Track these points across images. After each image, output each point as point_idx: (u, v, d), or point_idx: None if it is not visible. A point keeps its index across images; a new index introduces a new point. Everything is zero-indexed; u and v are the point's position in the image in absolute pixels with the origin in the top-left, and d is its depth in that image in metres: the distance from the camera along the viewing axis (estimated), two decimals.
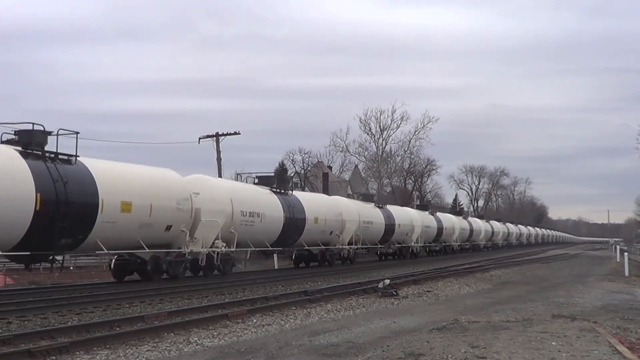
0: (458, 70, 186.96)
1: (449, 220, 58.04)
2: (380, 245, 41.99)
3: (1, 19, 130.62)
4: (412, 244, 45.91)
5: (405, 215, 45.67)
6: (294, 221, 29.61)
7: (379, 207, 42.07)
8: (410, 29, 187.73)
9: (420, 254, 48.53)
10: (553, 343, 10.40)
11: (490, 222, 79.51)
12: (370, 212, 39.59)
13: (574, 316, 14.11)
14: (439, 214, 57.94)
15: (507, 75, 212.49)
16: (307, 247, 31.71)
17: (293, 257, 33.50)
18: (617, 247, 61.56)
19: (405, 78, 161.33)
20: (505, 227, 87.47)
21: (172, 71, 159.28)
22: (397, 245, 43.94)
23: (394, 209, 44.64)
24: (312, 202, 32.33)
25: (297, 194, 32.50)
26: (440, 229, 53.58)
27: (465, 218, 67.86)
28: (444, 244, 56.16)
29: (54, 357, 9.53)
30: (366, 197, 44.18)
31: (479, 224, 70.85)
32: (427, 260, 45.22)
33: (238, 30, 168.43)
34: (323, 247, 33.18)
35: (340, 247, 34.43)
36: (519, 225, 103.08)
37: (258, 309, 14.95)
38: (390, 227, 41.66)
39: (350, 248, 35.68)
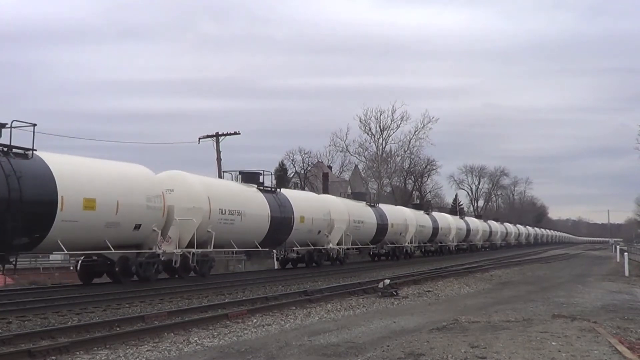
0: (458, 70, 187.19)
1: (444, 219, 56.67)
2: (372, 246, 40.61)
3: (1, 19, 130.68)
4: (406, 244, 44.70)
5: (398, 214, 44.48)
6: (282, 220, 28.16)
7: (370, 206, 40.43)
8: (410, 29, 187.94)
9: (415, 255, 47.69)
10: (553, 343, 10.41)
11: (489, 221, 79.26)
12: (361, 211, 38.00)
13: (574, 316, 14.11)
14: (434, 213, 56.53)
15: (507, 75, 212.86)
16: (297, 247, 30.42)
17: (278, 258, 32.25)
18: (617, 247, 61.60)
19: (405, 78, 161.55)
20: (504, 227, 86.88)
21: (172, 71, 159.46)
22: (390, 245, 42.74)
23: (386, 208, 43.23)
24: (300, 200, 30.63)
25: (286, 191, 31.25)
26: (435, 229, 52.19)
27: (462, 218, 67.41)
28: (439, 244, 54.77)
29: (54, 357, 9.54)
30: (357, 196, 42.75)
31: (476, 223, 70.15)
32: (422, 260, 44.31)
33: (238, 30, 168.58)
34: (311, 247, 31.65)
35: (329, 247, 32.96)
36: (518, 225, 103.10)
37: (258, 309, 14.95)
38: (382, 227, 40.25)
39: (340, 248, 33.95)
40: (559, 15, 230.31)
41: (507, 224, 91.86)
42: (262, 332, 12.26)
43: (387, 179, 77.89)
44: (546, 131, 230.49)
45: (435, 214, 56.20)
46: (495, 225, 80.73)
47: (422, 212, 51.57)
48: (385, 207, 43.11)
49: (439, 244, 54.60)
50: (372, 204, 41.03)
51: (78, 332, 11.51)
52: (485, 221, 77.61)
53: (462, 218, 66.99)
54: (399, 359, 9.26)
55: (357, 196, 42.41)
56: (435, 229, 52.00)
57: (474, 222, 69.98)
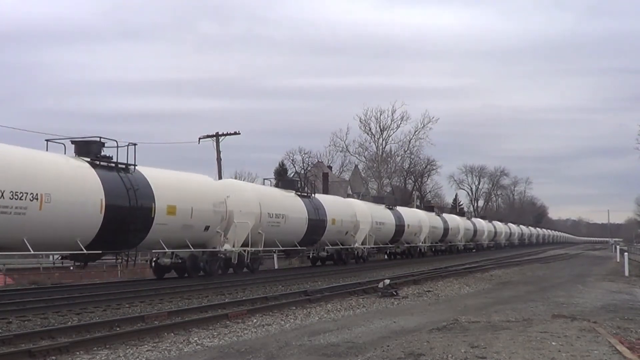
0: (458, 70, 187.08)
1: (454, 220, 60.06)
2: (390, 245, 43.57)
3: (1, 19, 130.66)
4: (420, 243, 47.73)
5: (413, 216, 47.60)
6: (317, 222, 31.48)
7: (389, 208, 43.77)
8: (409, 29, 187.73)
9: (427, 254, 50.54)
10: (553, 343, 10.41)
11: (494, 222, 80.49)
12: (381, 214, 41.34)
13: (574, 316, 14.11)
14: (444, 214, 60.11)
15: (507, 75, 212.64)
16: (328, 247, 33.79)
17: (310, 256, 34.85)
18: (617, 247, 61.60)
19: (405, 78, 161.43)
20: (507, 227, 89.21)
21: (172, 71, 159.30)
22: (406, 245, 45.96)
23: (403, 210, 46.48)
24: (331, 204, 33.89)
25: (319, 196, 34.27)
26: (446, 229, 55.48)
27: (469, 218, 69.82)
28: (449, 243, 58.08)
29: (54, 357, 9.54)
30: (377, 199, 46.22)
31: (482, 224, 72.69)
32: (433, 259, 46.75)
33: (238, 30, 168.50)
34: (340, 246, 34.74)
35: (355, 246, 35.92)
36: (521, 226, 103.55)
37: (258, 309, 14.95)
38: (400, 228, 43.40)
39: (364, 248, 36.76)
40: (559, 15, 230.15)
41: (511, 224, 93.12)
42: (262, 332, 12.26)
43: (387, 179, 77.90)
44: (546, 131, 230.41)
45: (445, 215, 59.56)
46: (499, 225, 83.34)
47: (433, 213, 55.14)
48: (402, 210, 46.36)
49: (449, 244, 58.00)
50: (391, 207, 44.17)
51: (78, 332, 11.51)
52: (490, 222, 79.59)
53: (469, 219, 69.41)
54: (399, 359, 9.27)
55: (377, 199, 46.16)
56: (446, 230, 55.53)
57: (480, 223, 72.44)
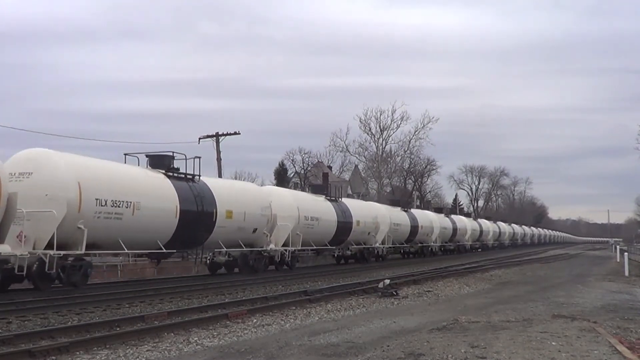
0: (458, 70, 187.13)
1: (461, 221, 62.48)
2: (405, 245, 46.37)
3: (2, 19, 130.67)
4: (432, 243, 50.66)
5: (426, 217, 50.36)
6: (345, 224, 34.38)
7: (404, 210, 46.40)
8: (409, 29, 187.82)
9: (438, 253, 53.03)
10: (553, 343, 10.41)
11: (479, 220, 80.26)
12: (398, 215, 44.15)
13: (574, 316, 14.11)
14: (453, 216, 62.48)
15: (507, 76, 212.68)
16: (352, 246, 36.31)
17: (335, 255, 37.06)
18: (617, 247, 61.62)
19: (405, 78, 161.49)
20: (511, 228, 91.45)
21: (172, 71, 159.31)
22: (419, 244, 48.58)
23: (417, 212, 48.90)
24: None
25: (346, 200, 37.47)
26: (455, 230, 58.03)
27: (475, 219, 71.59)
28: (458, 243, 60.38)
29: (54, 357, 9.54)
30: (394, 202, 48.13)
31: (487, 225, 74.64)
32: (443, 258, 49.41)
33: (238, 30, 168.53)
34: (362, 246, 37.48)
35: (375, 246, 38.75)
36: (514, 225, 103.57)
37: (258, 309, 14.95)
38: (414, 229, 46.28)
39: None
40: (559, 15, 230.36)
41: (514, 225, 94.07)
42: (262, 332, 12.26)
43: (387, 179, 77.93)
44: (546, 131, 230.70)
45: (453, 216, 61.82)
46: (503, 226, 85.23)
47: (443, 215, 57.86)
48: (416, 212, 49.21)
49: (457, 244, 60.23)
50: (406, 209, 46.85)
51: (78, 332, 11.50)
52: (494, 222, 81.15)
53: (475, 220, 71.15)
54: (399, 359, 9.26)
55: (393, 202, 48.24)
56: (455, 230, 58.17)
57: (486, 224, 74.23)
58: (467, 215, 79.45)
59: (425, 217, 50.62)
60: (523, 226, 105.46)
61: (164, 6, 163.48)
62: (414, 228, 46.38)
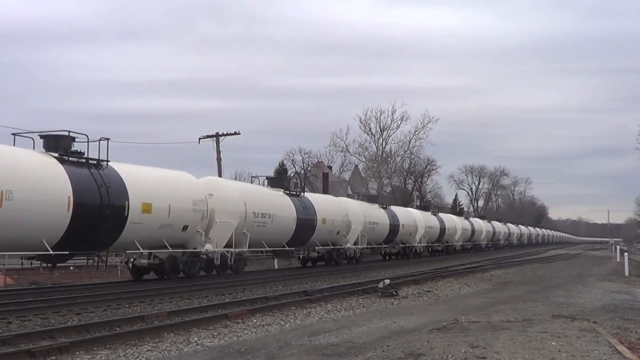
0: (458, 70, 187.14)
1: (451, 220, 59.30)
2: (384, 245, 42.72)
3: (2, 19, 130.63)
4: (416, 244, 47.11)
5: (408, 215, 46.70)
6: (306, 222, 30.66)
7: (383, 207, 43.01)
8: (409, 29, 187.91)
9: (423, 254, 49.77)
10: (553, 343, 10.40)
11: (492, 222, 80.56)
12: (375, 213, 40.49)
13: (574, 316, 14.11)
14: (441, 214, 59.29)
15: (507, 75, 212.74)
16: (318, 247, 33.01)
17: (300, 257, 33.91)
18: (617, 247, 61.62)
19: (405, 78, 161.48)
20: (506, 227, 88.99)
21: (172, 71, 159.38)
22: (401, 245, 45.24)
23: (397, 210, 45.56)
24: (321, 203, 33.19)
25: (309, 195, 33.30)
26: (442, 229, 54.88)
27: (467, 218, 69.20)
28: (446, 244, 57.64)
29: (54, 357, 9.53)
30: (371, 198, 45.12)
31: (480, 224, 72.25)
32: (429, 260, 45.82)
33: (238, 30, 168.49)
34: (331, 247, 34.11)
35: (347, 247, 35.14)
36: (520, 226, 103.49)
37: (258, 309, 14.95)
38: (394, 228, 42.56)
39: (357, 248, 36.16)
40: (559, 15, 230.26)
41: (509, 224, 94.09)
42: (262, 332, 12.26)
43: (387, 179, 77.85)
44: (546, 131, 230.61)
45: (441, 215, 59.70)
46: (498, 225, 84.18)
47: (429, 213, 54.85)
48: (396, 209, 45.99)
49: (446, 244, 58.41)
50: (384, 206, 43.91)
51: (78, 332, 11.50)
52: (488, 222, 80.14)
53: (466, 219, 69.29)
54: (399, 359, 9.26)
55: (370, 198, 45.35)
56: (442, 230, 55.87)
57: (478, 223, 72.83)
58: (459, 214, 76.38)
59: (408, 215, 46.75)
60: (520, 226, 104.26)
61: (163, 6, 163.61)
62: (394, 227, 42.24)
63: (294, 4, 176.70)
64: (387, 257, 45.19)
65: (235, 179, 62.84)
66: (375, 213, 40.67)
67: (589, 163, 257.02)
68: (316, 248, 32.90)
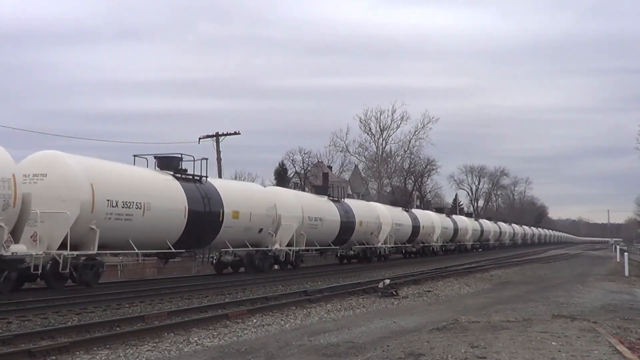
0: (458, 70, 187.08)
1: (463, 221, 63.12)
2: (407, 244, 46.70)
3: (2, 19, 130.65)
4: (433, 243, 51.23)
5: (427, 217, 50.87)
6: (347, 224, 35.09)
7: (406, 210, 47.41)
8: (409, 30, 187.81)
9: (439, 253, 53.36)
10: (553, 343, 10.40)
11: (480, 220, 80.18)
12: (400, 215, 44.91)
13: (574, 316, 14.11)
14: (415, 210, 56.28)
15: (507, 76, 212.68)
16: (355, 246, 36.94)
17: (338, 255, 37.94)
18: (617, 247, 61.64)
19: (405, 78, 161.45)
20: (511, 228, 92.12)
21: (172, 71, 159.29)
22: (360, 246, 42.06)
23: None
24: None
25: (348, 201, 37.80)
26: (456, 230, 58.58)
27: (449, 216, 67.79)
28: (459, 243, 61.03)
29: (54, 357, 9.53)
30: (394, 203, 49.47)
31: (488, 225, 75.30)
32: (445, 257, 49.63)
33: (238, 30, 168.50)
34: (365, 245, 38.01)
35: (378, 245, 39.36)
36: (514, 225, 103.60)
37: (258, 309, 14.95)
38: (416, 229, 47.07)
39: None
40: (559, 15, 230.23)
41: (514, 225, 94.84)
42: (262, 332, 12.26)
43: (387, 179, 77.91)
44: (546, 131, 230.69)
45: (454, 217, 62.48)
46: (504, 226, 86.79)
47: (444, 215, 58.49)
48: (417, 212, 50.14)
49: (458, 243, 60.88)
50: (407, 209, 48.04)
51: (78, 332, 11.50)
52: (495, 222, 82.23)
53: (476, 220, 71.87)
54: (399, 359, 9.26)
55: (394, 203, 50.04)
56: (456, 230, 59.09)
57: (487, 224, 75.43)
58: (469, 215, 79.78)
59: (427, 217, 51.13)
60: (523, 226, 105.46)
61: (163, 6, 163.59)
62: (416, 228, 47.04)
63: (294, 4, 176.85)
64: (407, 255, 48.25)
65: (235, 178, 62.90)
66: (400, 215, 44.96)
67: (588, 163, 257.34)
68: (352, 247, 36.88)
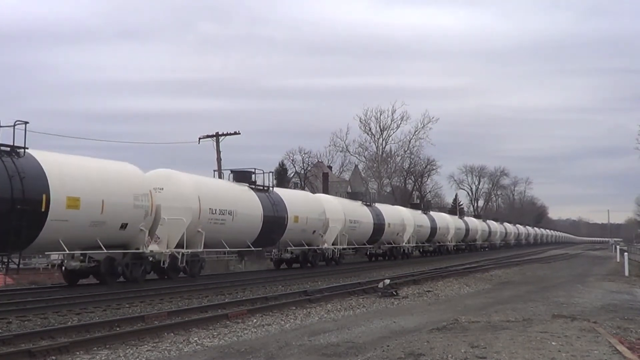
0: (458, 70, 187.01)
1: (443, 219, 57.28)
2: (368, 246, 40.58)
3: (2, 19, 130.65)
4: (404, 244, 44.92)
5: (396, 214, 44.75)
6: (275, 219, 28.36)
7: (367, 205, 40.46)
8: (409, 30, 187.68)
9: (413, 255, 48.05)
10: (553, 343, 10.40)
11: (488, 221, 79.82)
12: (357, 211, 38.26)
13: (574, 316, 14.10)
14: (432, 213, 56.94)
15: (507, 76, 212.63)
16: (291, 247, 30.69)
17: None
18: (617, 247, 61.62)
19: (405, 78, 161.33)
20: (503, 227, 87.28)
21: (172, 71, 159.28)
22: (387, 245, 42.85)
23: (383, 208, 43.24)
24: (293, 199, 30.69)
25: (279, 190, 31.21)
26: (434, 229, 52.92)
27: (461, 217, 67.94)
28: (438, 244, 55.52)
29: (54, 357, 9.54)
30: (353, 195, 43.01)
31: (475, 223, 70.49)
32: (420, 261, 44.57)
33: (238, 30, 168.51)
34: (306, 247, 31.92)
35: (324, 247, 33.03)
36: (517, 225, 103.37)
37: (258, 309, 14.95)
38: (379, 227, 40.50)
39: (336, 248, 33.91)
40: (559, 15, 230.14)
41: (507, 224, 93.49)
42: (262, 332, 12.26)
43: (387, 179, 77.90)
44: (546, 131, 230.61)
45: (432, 213, 58.03)
46: (494, 225, 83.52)
47: (419, 212, 52.86)
48: (382, 207, 43.59)
49: (437, 244, 56.48)
50: (368, 204, 41.19)
51: (78, 332, 11.51)
52: (484, 221, 79.48)
53: (461, 218, 68.27)
54: (399, 359, 9.26)
55: (352, 195, 43.73)
56: (434, 229, 54.19)
57: (473, 222, 71.77)
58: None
59: (395, 213, 45.32)
60: (518, 225, 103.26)
61: (163, 6, 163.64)
62: (379, 226, 40.83)
63: (294, 4, 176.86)
64: (372, 258, 43.27)
65: (214, 176, 62.59)
66: (357, 211, 38.35)
67: (588, 163, 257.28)
68: (289, 249, 30.63)
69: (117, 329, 12.00)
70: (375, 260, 42.81)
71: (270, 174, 29.71)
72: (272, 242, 29.41)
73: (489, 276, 28.97)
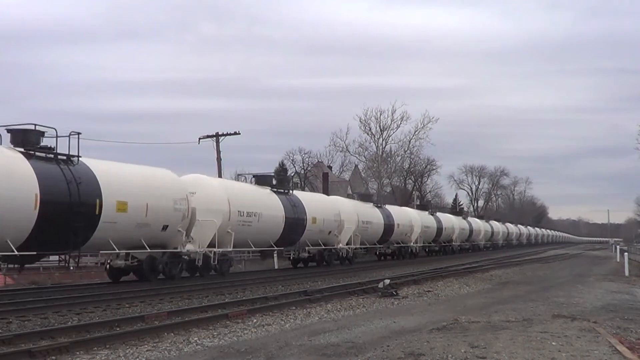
0: (458, 70, 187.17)
1: (448, 220, 59.04)
2: (379, 245, 42.27)
3: (2, 19, 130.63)
4: (411, 244, 46.33)
5: (404, 215, 46.21)
6: (296, 221, 30.04)
7: (377, 206, 42.26)
8: (409, 30, 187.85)
9: (420, 254, 49.33)
10: (553, 343, 10.40)
11: (490, 222, 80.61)
12: (369, 212, 39.88)
13: (574, 316, 14.11)
14: (438, 214, 58.96)
15: (507, 76, 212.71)
16: (309, 247, 32.04)
17: (290, 257, 32.93)
18: (617, 247, 61.60)
19: (405, 78, 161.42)
20: (505, 227, 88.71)
21: (172, 71, 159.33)
22: (396, 245, 44.34)
23: (393, 209, 44.99)
24: (311, 201, 32.70)
25: (298, 193, 32.79)
26: (439, 229, 54.40)
27: (465, 218, 69.00)
28: (443, 244, 57.14)
29: (54, 357, 9.53)
30: (364, 197, 44.41)
31: (478, 224, 72.13)
32: (426, 260, 45.79)
33: (238, 30, 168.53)
34: (322, 247, 33.40)
35: (339, 247, 34.48)
36: (519, 225, 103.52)
37: (258, 309, 14.95)
38: (389, 227, 42.00)
39: (349, 248, 35.73)
40: (559, 15, 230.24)
41: (509, 224, 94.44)
42: (262, 332, 12.26)
43: (387, 179, 77.80)
44: (546, 131, 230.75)
45: (439, 214, 59.58)
46: (497, 225, 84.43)
47: (426, 213, 54.89)
48: (392, 208, 45.67)
49: (443, 244, 57.90)
50: (379, 205, 43.72)
51: (78, 332, 11.50)
52: (487, 221, 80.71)
53: (464, 218, 69.10)
54: (399, 359, 9.26)
55: (364, 197, 45.37)
56: (440, 229, 55.63)
57: (477, 223, 73.06)
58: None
59: (404, 214, 47.01)
60: (519, 225, 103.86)
61: (163, 6, 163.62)
62: (389, 226, 42.32)
63: (294, 4, 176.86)
64: (382, 258, 44.62)
65: (236, 179, 62.78)
66: (369, 212, 40.00)
67: (588, 163, 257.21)
68: (306, 248, 31.96)
69: (117, 329, 12.00)
70: (384, 260, 44.61)
71: (290, 177, 32.23)
72: (292, 242, 31.35)
73: (489, 276, 28.98)
